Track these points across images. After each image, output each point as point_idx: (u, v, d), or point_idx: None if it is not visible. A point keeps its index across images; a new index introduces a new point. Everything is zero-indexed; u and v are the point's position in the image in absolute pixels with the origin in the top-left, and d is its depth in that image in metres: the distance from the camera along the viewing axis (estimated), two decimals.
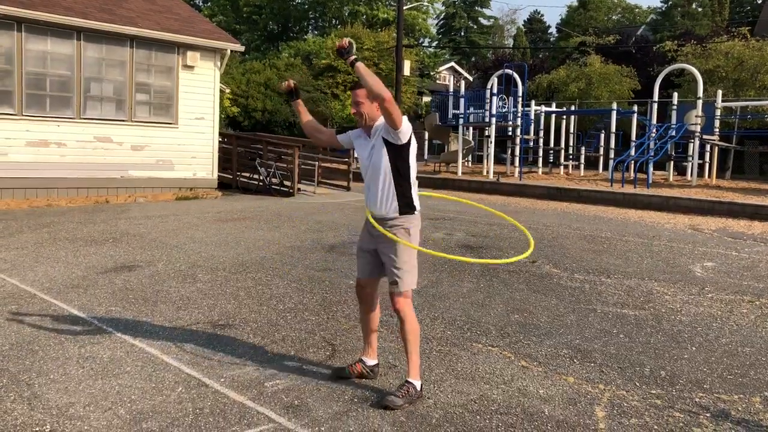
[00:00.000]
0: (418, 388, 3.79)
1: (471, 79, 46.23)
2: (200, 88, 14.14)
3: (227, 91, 23.63)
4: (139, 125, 13.38)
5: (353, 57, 3.59)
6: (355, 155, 4.09)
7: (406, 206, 3.80)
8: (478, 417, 3.62)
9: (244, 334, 4.95)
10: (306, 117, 4.18)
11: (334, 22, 47.66)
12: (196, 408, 3.61)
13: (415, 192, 3.89)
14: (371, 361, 4.14)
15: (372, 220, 3.85)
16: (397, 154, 3.76)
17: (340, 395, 3.85)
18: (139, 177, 13.36)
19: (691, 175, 19.04)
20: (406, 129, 3.71)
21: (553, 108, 24.62)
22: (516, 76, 21.44)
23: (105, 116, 12.98)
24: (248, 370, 4.23)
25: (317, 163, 16.46)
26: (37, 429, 3.33)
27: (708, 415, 3.74)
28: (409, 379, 3.79)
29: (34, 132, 12.16)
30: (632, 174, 18.37)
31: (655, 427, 3.56)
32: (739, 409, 3.83)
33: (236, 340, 4.80)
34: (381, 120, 3.80)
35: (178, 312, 5.49)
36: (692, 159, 19.09)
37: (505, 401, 3.84)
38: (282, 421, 3.49)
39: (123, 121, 13.17)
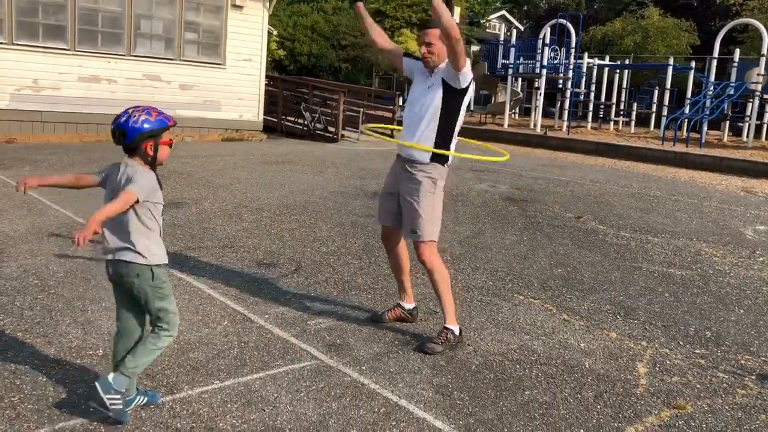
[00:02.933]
0: (457, 333, 3.81)
1: (522, 28, 44.98)
2: (248, 28, 14.06)
3: (274, 33, 23.47)
4: (188, 64, 13.43)
5: None
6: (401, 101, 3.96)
7: (438, 154, 3.73)
8: (518, 366, 3.63)
9: (288, 274, 5.03)
10: (371, 22, 3.95)
11: None
12: (241, 342, 3.70)
13: (454, 144, 3.82)
14: (409, 305, 4.17)
15: (403, 143, 3.75)
16: (452, 98, 3.68)
17: (381, 337, 3.90)
18: (187, 116, 13.47)
19: (748, 136, 18.37)
20: (467, 74, 3.62)
21: (607, 61, 23.86)
22: (570, 26, 20.78)
23: (154, 54, 13.06)
24: (292, 308, 4.30)
25: (362, 109, 16.36)
26: (91, 352, 3.46)
27: (753, 377, 3.68)
28: (447, 325, 3.81)
29: (86, 68, 12.33)
30: (685, 133, 17.81)
31: (698, 386, 3.52)
32: None
33: (280, 279, 4.88)
34: (445, 62, 3.71)
35: (224, 249, 5.59)
36: (750, 119, 18.38)
37: (546, 352, 3.84)
38: (324, 359, 3.56)
39: (172, 59, 13.24)
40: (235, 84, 14.09)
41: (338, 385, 3.27)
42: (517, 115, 25.71)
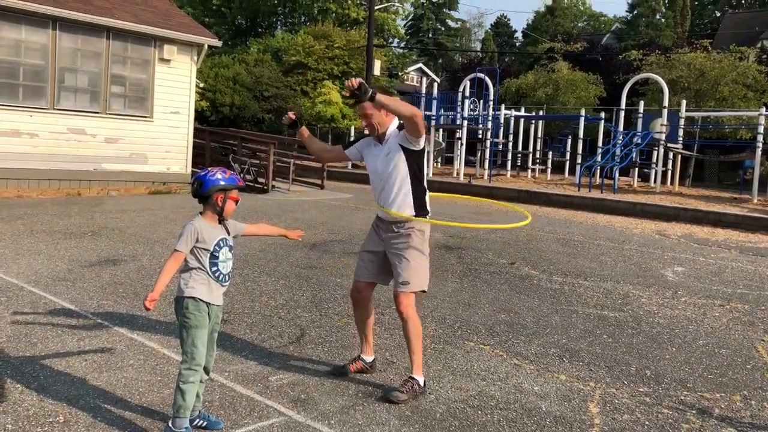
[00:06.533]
0: (422, 384, 3.92)
1: (438, 80, 46.59)
2: (176, 82, 14.02)
3: (201, 85, 23.42)
4: (114, 118, 13.22)
5: (371, 92, 3.53)
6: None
7: (420, 209, 3.92)
8: (479, 412, 3.76)
9: (241, 330, 5.01)
10: (313, 142, 4.31)
11: (303, 18, 47.47)
12: (206, 401, 3.66)
13: (428, 196, 4.01)
14: (369, 358, 4.26)
15: (389, 212, 3.91)
16: (415, 159, 3.88)
17: (344, 390, 3.96)
18: (112, 170, 13.20)
19: (655, 181, 19.59)
20: (423, 136, 3.84)
21: (522, 112, 25.02)
22: (488, 79, 21.76)
23: (79, 108, 12.80)
24: (251, 364, 4.30)
25: (292, 160, 16.46)
26: (51, 419, 3.36)
27: (694, 412, 3.95)
28: (413, 375, 3.91)
29: (5, 121, 11.93)
30: (599, 179, 18.83)
31: (647, 422, 3.75)
32: (722, 406, 4.06)
33: (233, 336, 4.86)
34: (393, 127, 3.91)
35: (170, 306, 5.47)
36: (656, 166, 19.65)
37: (504, 397, 4.00)
38: (291, 414, 3.58)
39: (97, 113, 13.00)
40: (162, 137, 13.94)
41: None
42: (439, 164, 26.44)
